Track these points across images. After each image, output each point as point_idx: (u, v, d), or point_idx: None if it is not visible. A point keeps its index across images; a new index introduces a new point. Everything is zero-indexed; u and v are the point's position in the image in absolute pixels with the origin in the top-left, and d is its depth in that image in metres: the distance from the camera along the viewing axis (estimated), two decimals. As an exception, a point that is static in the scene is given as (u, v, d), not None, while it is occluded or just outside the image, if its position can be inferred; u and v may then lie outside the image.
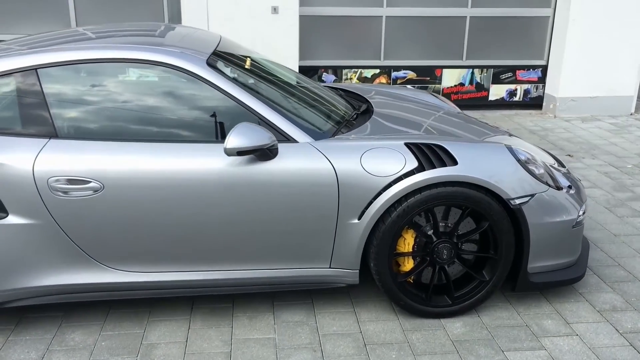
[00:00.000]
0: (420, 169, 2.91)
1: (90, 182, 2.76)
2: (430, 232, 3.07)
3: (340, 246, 2.99)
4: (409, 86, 7.62)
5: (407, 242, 3.07)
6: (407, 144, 3.00)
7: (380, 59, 7.66)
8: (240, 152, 2.72)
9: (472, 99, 7.96)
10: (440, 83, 7.80)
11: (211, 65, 3.00)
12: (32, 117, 2.82)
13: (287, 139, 2.93)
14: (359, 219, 2.93)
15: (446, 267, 3.11)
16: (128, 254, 2.89)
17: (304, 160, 2.87)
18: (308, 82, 3.90)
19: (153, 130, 2.89)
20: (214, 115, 2.96)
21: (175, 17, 7.15)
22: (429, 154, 2.98)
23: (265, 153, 2.81)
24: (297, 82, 3.74)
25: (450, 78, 7.81)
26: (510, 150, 3.11)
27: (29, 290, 2.86)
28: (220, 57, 3.22)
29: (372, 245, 2.99)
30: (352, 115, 3.52)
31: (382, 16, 7.49)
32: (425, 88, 7.76)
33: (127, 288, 2.95)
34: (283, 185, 2.85)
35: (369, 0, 7.42)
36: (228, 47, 3.56)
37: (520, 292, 3.32)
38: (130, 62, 2.94)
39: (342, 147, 2.95)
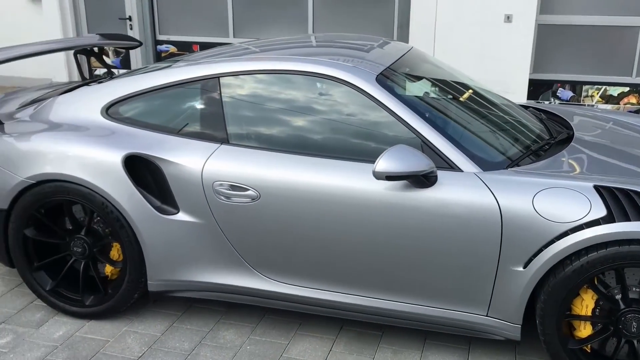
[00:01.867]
0: (608, 219, 2.38)
1: (249, 190, 2.82)
2: (618, 297, 2.50)
3: (500, 294, 2.61)
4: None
5: (586, 304, 2.54)
6: (597, 187, 2.48)
7: (631, 75, 6.62)
8: (389, 177, 2.52)
9: None
10: None
11: (382, 81, 2.85)
12: (209, 122, 2.99)
13: (450, 166, 2.64)
14: (525, 267, 2.51)
15: (636, 342, 2.51)
16: (279, 265, 2.90)
17: (464, 192, 2.56)
18: (501, 103, 3.49)
19: (316, 144, 2.85)
20: (377, 134, 2.81)
21: (405, 25, 7.10)
22: (624, 202, 2.42)
23: (419, 180, 2.57)
24: (488, 103, 3.36)
25: None
26: None
27: (193, 283, 3.05)
28: (397, 73, 3.04)
29: (539, 299, 2.55)
30: (544, 143, 3.04)
31: (639, 26, 6.46)
32: (689, 112, 6.49)
33: (276, 297, 2.97)
34: (437, 217, 2.58)
35: (624, 8, 6.45)
36: (413, 61, 3.36)
37: None
38: (301, 75, 2.94)
39: (512, 182, 2.55)
